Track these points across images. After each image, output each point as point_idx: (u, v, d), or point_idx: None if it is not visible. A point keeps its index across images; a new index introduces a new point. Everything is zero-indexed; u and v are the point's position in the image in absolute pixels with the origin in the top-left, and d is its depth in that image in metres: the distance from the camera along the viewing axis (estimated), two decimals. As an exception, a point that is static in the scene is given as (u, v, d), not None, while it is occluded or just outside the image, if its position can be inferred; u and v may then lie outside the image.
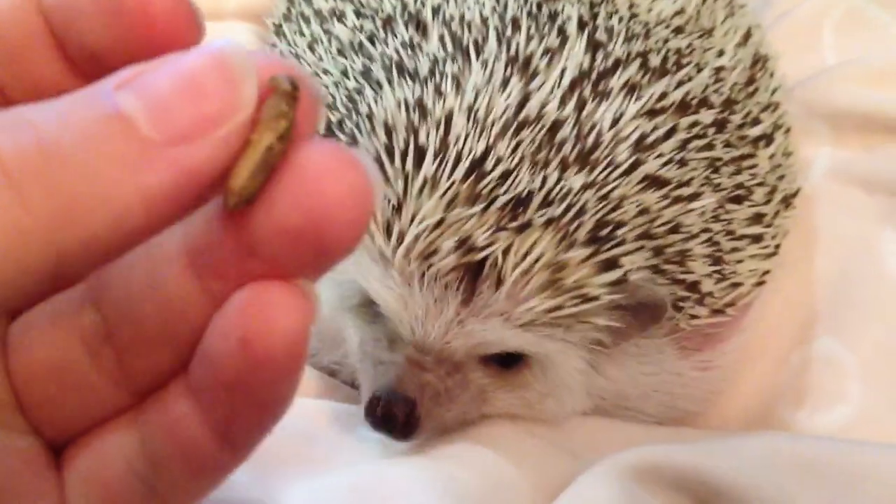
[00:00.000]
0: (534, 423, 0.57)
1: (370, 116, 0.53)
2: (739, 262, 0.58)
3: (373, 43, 0.59)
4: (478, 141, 0.50)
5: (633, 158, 0.53)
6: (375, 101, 0.54)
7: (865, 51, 0.81)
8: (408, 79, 0.54)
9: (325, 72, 0.61)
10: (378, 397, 0.51)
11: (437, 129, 0.51)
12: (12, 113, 0.23)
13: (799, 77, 0.80)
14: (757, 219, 0.61)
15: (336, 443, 0.55)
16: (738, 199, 0.59)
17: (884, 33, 0.82)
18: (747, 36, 0.69)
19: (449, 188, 0.49)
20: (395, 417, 0.51)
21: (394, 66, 0.55)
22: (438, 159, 0.50)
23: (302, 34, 0.66)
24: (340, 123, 0.56)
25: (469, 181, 0.50)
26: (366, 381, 0.55)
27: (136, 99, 0.23)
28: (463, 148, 0.50)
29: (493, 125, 0.51)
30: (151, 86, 0.23)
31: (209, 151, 0.23)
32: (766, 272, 0.61)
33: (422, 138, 0.51)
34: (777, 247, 0.63)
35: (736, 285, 0.59)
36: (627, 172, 0.52)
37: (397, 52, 0.57)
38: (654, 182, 0.54)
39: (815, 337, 0.67)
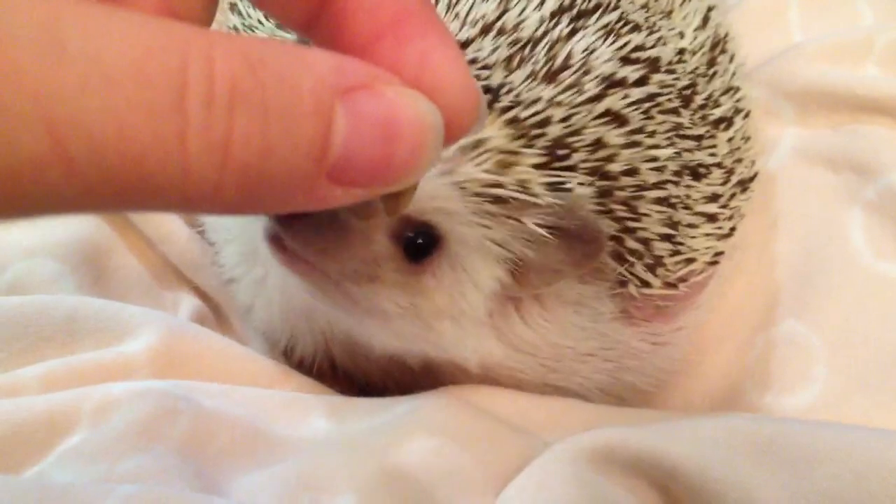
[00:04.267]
0: (490, 402, 0.56)
1: None
2: (693, 238, 0.58)
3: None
4: (459, 32, 0.51)
5: (599, 89, 0.52)
6: None
7: (832, 28, 0.80)
8: None
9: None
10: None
11: None
12: (246, 45, 0.24)
13: (765, 56, 0.80)
14: (713, 198, 0.60)
15: (285, 433, 0.54)
16: (697, 175, 0.58)
17: (850, 9, 0.81)
18: (706, 19, 0.68)
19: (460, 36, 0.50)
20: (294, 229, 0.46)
21: None
22: None
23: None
24: None
25: (472, 44, 0.50)
26: None
27: (346, 126, 0.25)
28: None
29: (473, 25, 0.51)
30: (364, 120, 0.25)
31: (357, 198, 0.26)
32: (720, 253, 0.61)
33: None
34: (732, 229, 0.62)
35: (690, 261, 0.58)
36: (592, 100, 0.52)
37: None
38: (616, 119, 0.53)
39: (780, 319, 0.67)
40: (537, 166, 0.50)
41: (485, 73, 0.50)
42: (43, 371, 0.55)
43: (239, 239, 0.63)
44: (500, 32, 0.52)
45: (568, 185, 0.50)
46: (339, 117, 0.25)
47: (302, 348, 0.64)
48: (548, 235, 0.50)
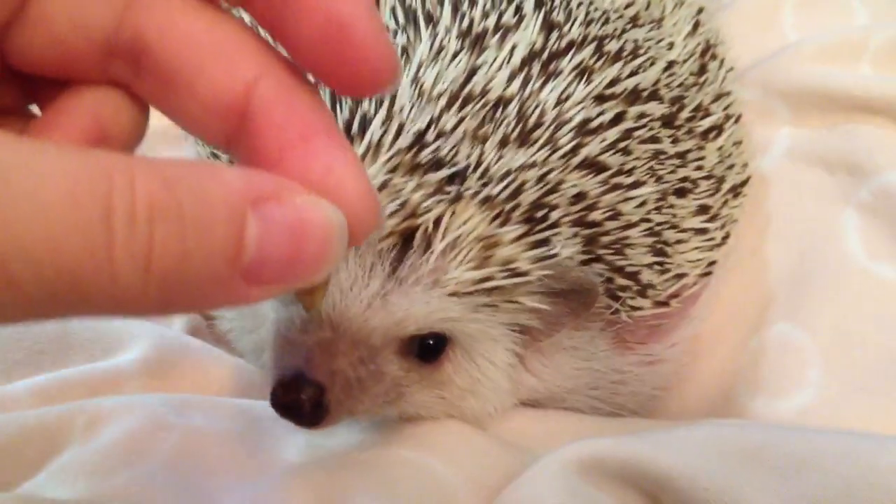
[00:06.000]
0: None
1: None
2: (683, 253, 0.58)
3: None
4: (422, 113, 0.50)
5: (575, 141, 0.52)
6: None
7: (826, 27, 0.79)
8: None
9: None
10: (284, 380, 0.47)
11: (383, 100, 0.51)
12: (165, 166, 0.27)
13: (759, 55, 0.79)
14: (702, 210, 0.60)
15: (275, 446, 0.54)
16: (682, 192, 0.58)
17: (844, 8, 0.81)
18: (696, 24, 0.68)
19: (391, 157, 0.49)
20: (302, 403, 0.47)
21: None
22: (383, 129, 0.49)
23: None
24: None
25: (412, 152, 0.49)
26: (274, 363, 0.51)
27: (257, 230, 0.28)
28: (406, 119, 0.50)
29: (438, 98, 0.51)
30: (273, 225, 0.28)
31: (273, 294, 0.29)
32: (712, 262, 0.61)
33: (365, 106, 0.50)
34: (725, 237, 0.62)
35: (680, 276, 0.58)
36: (567, 155, 0.52)
37: None
38: (593, 167, 0.53)
39: (773, 322, 0.66)
40: (518, 238, 0.50)
41: (450, 154, 0.49)
42: (35, 385, 0.56)
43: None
44: (468, 100, 0.51)
45: (552, 251, 0.50)
46: (251, 224, 0.28)
47: None
48: (545, 305, 0.51)
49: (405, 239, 0.49)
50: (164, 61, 0.32)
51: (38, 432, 0.52)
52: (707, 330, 0.67)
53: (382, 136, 0.49)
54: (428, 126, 0.50)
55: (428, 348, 0.52)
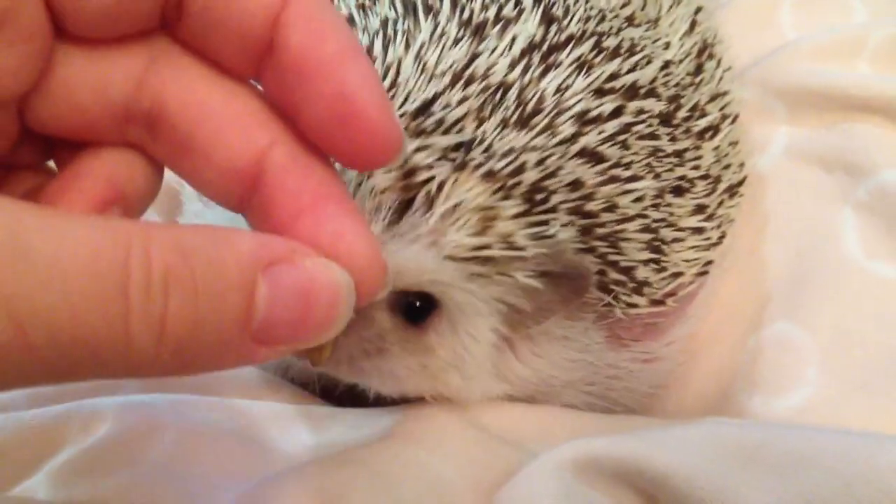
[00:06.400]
0: (478, 413, 0.56)
1: None
2: (679, 252, 0.57)
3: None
4: (427, 85, 0.51)
5: (574, 129, 0.52)
6: None
7: (823, 25, 0.79)
8: (357, 33, 0.54)
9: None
10: None
11: (387, 73, 0.51)
12: (180, 234, 0.28)
13: (757, 54, 0.79)
14: (699, 210, 0.60)
15: (271, 446, 0.54)
16: (679, 191, 0.58)
17: (843, 6, 0.81)
18: (693, 24, 0.68)
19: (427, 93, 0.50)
20: None
21: None
22: (391, 94, 0.50)
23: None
24: None
25: (418, 118, 0.50)
26: None
27: (267, 294, 0.29)
28: (412, 90, 0.50)
29: (441, 76, 0.51)
30: (283, 288, 0.29)
31: (280, 354, 0.30)
32: (709, 262, 0.61)
33: None
34: (721, 237, 0.62)
35: (676, 275, 0.58)
36: (566, 142, 0.52)
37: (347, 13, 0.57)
38: (592, 157, 0.53)
39: (772, 320, 0.66)
40: (517, 216, 0.50)
41: (456, 125, 0.50)
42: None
43: None
44: (470, 81, 0.51)
45: (550, 231, 0.50)
46: (261, 288, 0.29)
47: (297, 370, 0.64)
48: (537, 284, 0.51)
49: (407, 200, 0.49)
50: (182, 127, 0.33)
51: (35, 433, 0.52)
52: (705, 329, 0.67)
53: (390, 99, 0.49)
54: (434, 98, 0.50)
55: (415, 309, 0.52)
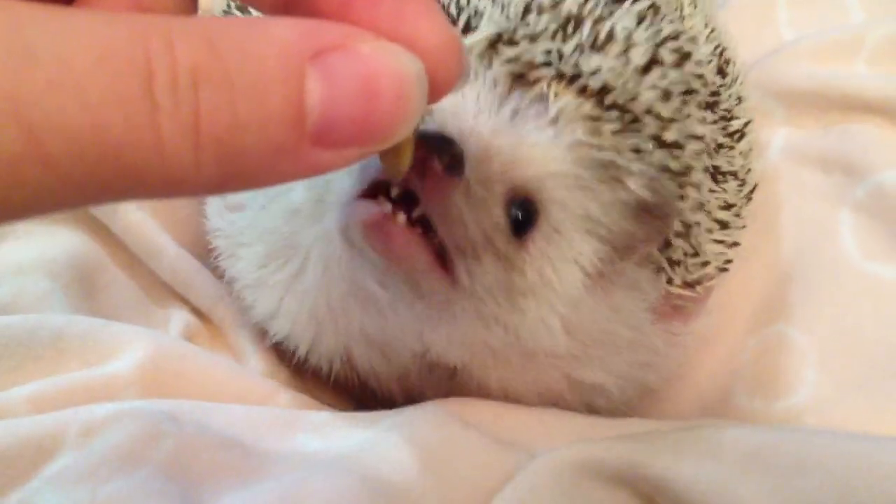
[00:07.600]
0: (478, 415, 0.56)
1: None
2: (708, 243, 0.58)
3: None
4: (499, 15, 0.52)
5: (648, 58, 0.53)
6: None
7: (821, 24, 0.79)
8: None
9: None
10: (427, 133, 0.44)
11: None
12: (206, 25, 0.24)
13: (755, 55, 0.79)
14: (727, 206, 0.61)
15: (271, 451, 0.54)
16: (716, 179, 0.59)
17: (840, 6, 0.81)
18: (711, 29, 0.68)
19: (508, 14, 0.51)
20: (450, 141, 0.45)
21: None
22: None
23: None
24: None
25: (523, 20, 0.51)
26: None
27: (320, 88, 0.25)
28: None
29: (511, 4, 0.52)
30: (339, 80, 0.25)
31: (349, 159, 0.26)
32: (729, 260, 0.61)
33: None
34: (734, 243, 0.62)
35: (705, 264, 0.59)
36: (640, 70, 0.52)
37: None
38: (663, 93, 0.53)
39: (770, 321, 0.66)
40: (616, 132, 0.51)
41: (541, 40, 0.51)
42: (30, 391, 0.55)
43: (263, 240, 0.61)
44: (541, 10, 0.52)
45: (648, 149, 0.51)
46: (311, 81, 0.25)
47: (319, 355, 0.62)
48: (645, 192, 0.51)
49: (527, 94, 0.50)
50: None
51: (32, 439, 0.51)
52: (704, 329, 0.67)
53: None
54: (525, 11, 0.51)
55: (518, 221, 0.51)
